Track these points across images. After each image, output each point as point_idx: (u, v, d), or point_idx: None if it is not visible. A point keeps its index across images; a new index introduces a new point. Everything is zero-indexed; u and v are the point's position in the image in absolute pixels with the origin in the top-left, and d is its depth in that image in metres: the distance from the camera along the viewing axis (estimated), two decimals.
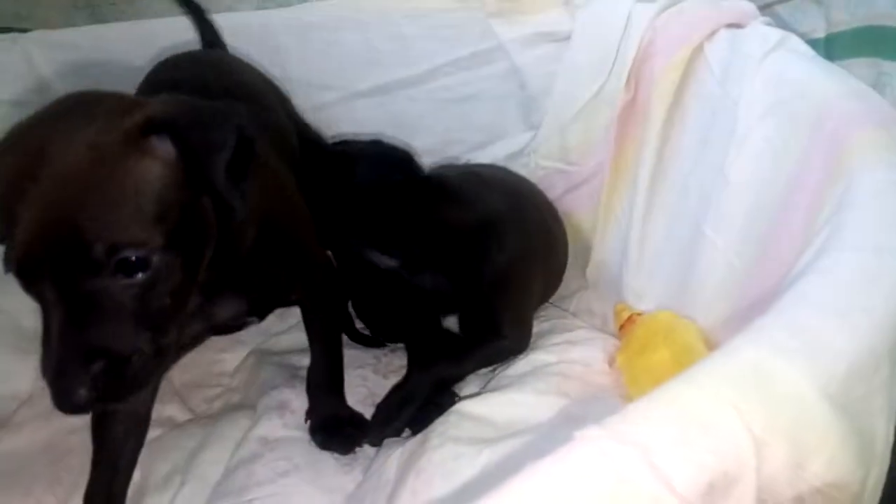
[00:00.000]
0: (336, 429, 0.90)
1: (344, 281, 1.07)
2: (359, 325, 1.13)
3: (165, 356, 0.60)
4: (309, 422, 0.91)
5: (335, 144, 1.13)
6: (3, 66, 1.21)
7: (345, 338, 1.03)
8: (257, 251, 0.73)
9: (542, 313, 1.11)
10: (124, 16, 1.29)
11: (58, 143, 0.55)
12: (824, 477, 0.43)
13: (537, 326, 1.05)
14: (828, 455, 0.43)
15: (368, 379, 1.00)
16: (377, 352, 1.08)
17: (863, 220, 0.57)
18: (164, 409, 0.94)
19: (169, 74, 1.01)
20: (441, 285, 1.00)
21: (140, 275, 0.56)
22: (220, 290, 0.72)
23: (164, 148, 0.58)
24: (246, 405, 0.96)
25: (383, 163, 0.98)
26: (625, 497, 0.40)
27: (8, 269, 0.56)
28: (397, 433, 0.88)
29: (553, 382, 0.88)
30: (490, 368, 0.97)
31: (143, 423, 0.81)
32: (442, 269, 0.99)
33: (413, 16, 1.17)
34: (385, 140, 1.05)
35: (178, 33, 1.20)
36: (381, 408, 0.90)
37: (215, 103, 0.63)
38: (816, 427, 0.43)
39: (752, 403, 0.42)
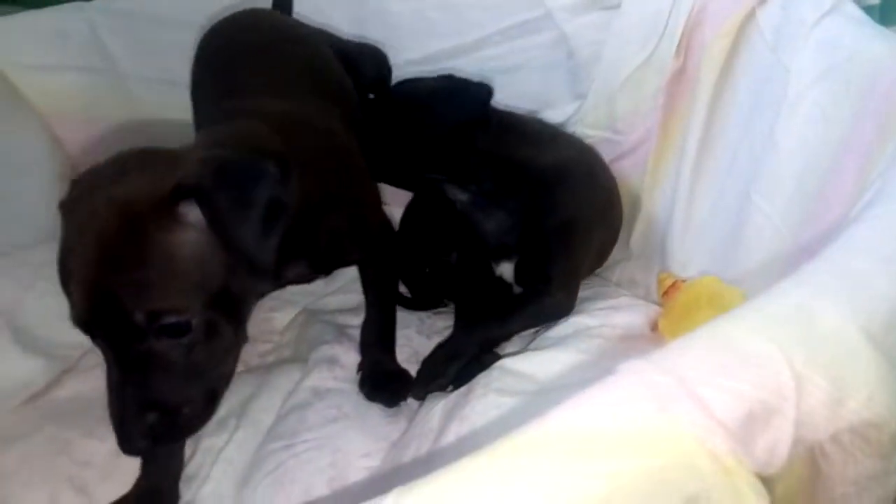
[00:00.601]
0: (384, 382, 0.93)
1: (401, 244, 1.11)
2: (402, 290, 1.16)
3: (217, 399, 0.64)
4: (359, 374, 0.94)
5: (400, 84, 1.14)
6: (69, 33, 1.26)
7: None
8: (321, 219, 0.76)
9: (586, 282, 1.11)
10: None
11: (101, 208, 0.58)
12: (862, 414, 0.44)
13: (580, 294, 1.06)
14: (867, 392, 0.43)
15: (413, 339, 1.03)
16: (421, 314, 1.10)
17: None
18: None
19: (225, 38, 1.04)
20: (506, 227, 1.02)
21: (183, 337, 0.59)
22: (285, 258, 0.73)
23: (193, 213, 0.59)
24: (297, 359, 0.99)
25: (460, 98, 1.02)
26: (665, 424, 0.41)
27: (72, 322, 0.60)
28: (441, 389, 0.90)
29: (594, 344, 0.89)
30: (532, 330, 0.99)
31: None
32: (510, 208, 1.01)
33: None
34: (457, 75, 1.10)
35: (236, 5, 1.24)
36: (426, 364, 0.93)
37: (246, 160, 0.63)
38: (857, 365, 0.44)
39: (794, 340, 0.43)
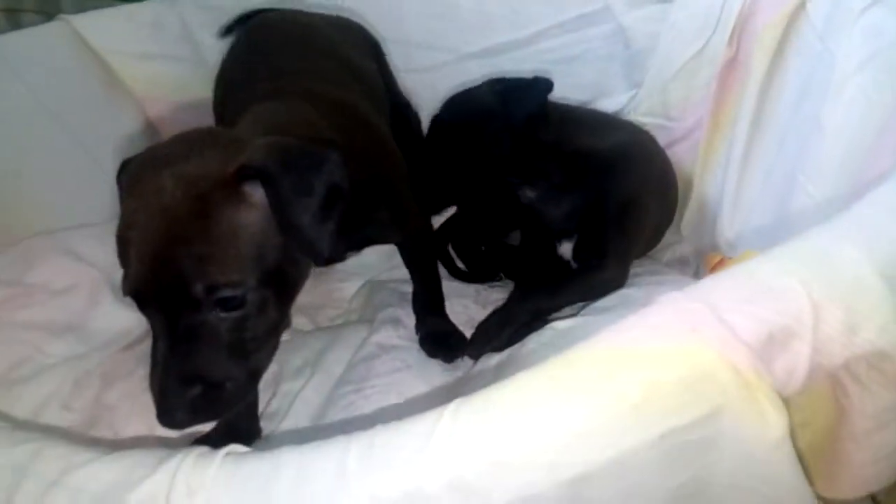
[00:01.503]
0: (442, 340, 1.00)
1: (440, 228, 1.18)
2: (459, 265, 1.24)
3: (258, 378, 0.66)
4: (418, 334, 1.02)
5: (450, 105, 1.19)
6: (162, 26, 1.37)
7: (445, 272, 1.13)
8: (358, 203, 0.76)
9: (637, 262, 1.16)
10: None
11: (166, 184, 0.60)
12: (875, 342, 0.49)
13: (631, 271, 1.11)
14: (880, 322, 0.49)
15: (469, 308, 1.11)
16: (478, 286, 1.18)
17: None
18: (293, 320, 1.07)
19: (260, 38, 1.10)
20: (569, 212, 1.08)
21: (236, 311, 0.61)
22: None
23: (257, 194, 0.62)
24: (364, 320, 1.08)
25: (523, 94, 1.07)
26: (695, 342, 0.48)
27: (125, 293, 0.62)
28: (496, 350, 0.97)
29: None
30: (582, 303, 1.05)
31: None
32: (574, 196, 1.07)
33: None
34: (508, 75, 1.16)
35: (319, 7, 1.33)
36: (481, 326, 1.00)
37: (309, 147, 0.65)
38: (871, 299, 0.49)
39: (813, 276, 0.49)
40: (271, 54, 1.01)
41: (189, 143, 0.65)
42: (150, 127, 1.37)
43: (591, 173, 1.07)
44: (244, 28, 1.18)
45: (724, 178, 1.09)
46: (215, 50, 1.41)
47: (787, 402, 0.50)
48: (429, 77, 1.35)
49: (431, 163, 1.13)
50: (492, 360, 0.92)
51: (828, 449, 0.61)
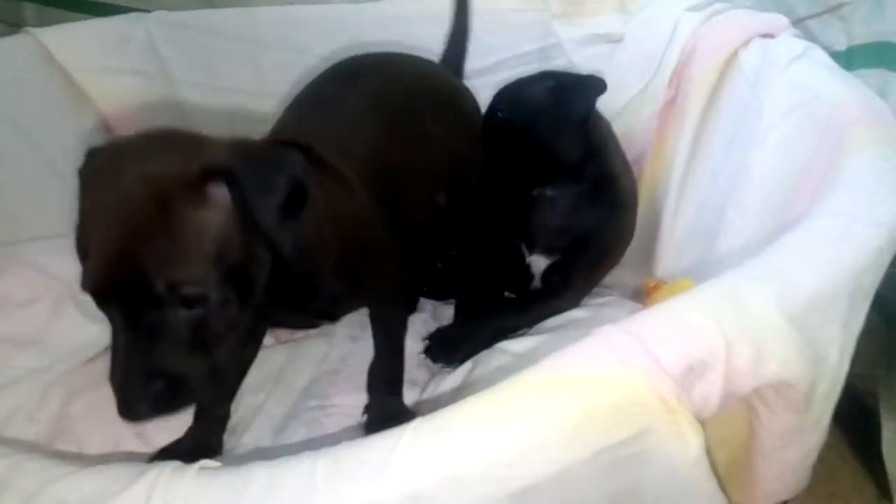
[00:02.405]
0: (389, 424, 0.95)
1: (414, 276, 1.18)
2: None
3: (221, 375, 0.66)
4: (365, 416, 0.97)
5: (501, 97, 1.18)
6: (129, 41, 1.39)
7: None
8: (329, 271, 0.78)
9: None
10: (233, 2, 1.47)
11: (131, 180, 0.60)
12: (778, 374, 0.57)
13: None
14: (783, 358, 0.57)
15: (428, 323, 1.16)
16: (434, 302, 1.24)
17: (842, 193, 0.70)
18: None
19: (325, 77, 1.05)
20: (568, 225, 1.11)
21: (198, 308, 0.61)
22: (283, 303, 0.76)
23: (221, 193, 0.62)
24: (324, 335, 1.12)
25: (580, 92, 1.09)
26: (626, 371, 0.55)
27: (83, 287, 0.61)
28: (455, 363, 1.03)
29: (582, 334, 1.02)
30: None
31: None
32: (585, 212, 1.11)
33: (484, 13, 1.32)
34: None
35: (281, 23, 1.38)
36: (443, 338, 1.05)
37: (271, 150, 0.68)
38: (776, 338, 0.57)
39: (728, 316, 0.57)
40: (312, 98, 0.99)
41: (154, 140, 0.66)
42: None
43: (609, 198, 1.12)
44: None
45: (662, 209, 1.18)
46: (182, 65, 1.44)
47: (704, 424, 0.57)
48: None
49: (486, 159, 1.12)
50: (446, 380, 0.98)
51: (744, 463, 0.69)
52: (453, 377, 0.98)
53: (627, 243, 1.20)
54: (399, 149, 0.95)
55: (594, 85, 1.09)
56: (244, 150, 0.65)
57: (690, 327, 0.56)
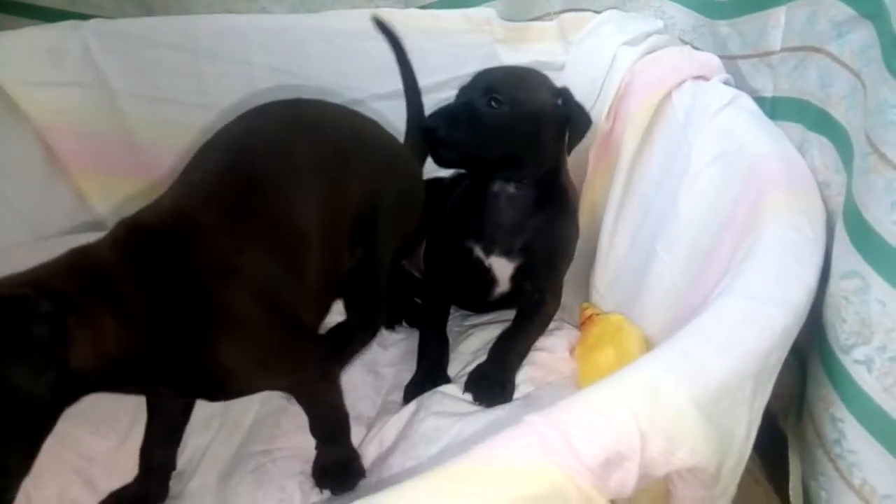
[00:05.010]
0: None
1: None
2: None
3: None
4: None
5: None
6: (63, 52, 1.36)
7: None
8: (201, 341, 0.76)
9: None
10: (172, 9, 1.44)
11: None
12: (688, 461, 0.62)
13: None
14: (692, 446, 0.62)
15: (373, 349, 1.19)
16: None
17: (754, 272, 0.75)
18: None
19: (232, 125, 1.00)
20: (521, 226, 1.15)
21: None
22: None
23: None
24: None
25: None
26: (549, 465, 0.59)
27: None
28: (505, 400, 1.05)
29: (522, 371, 1.08)
30: (472, 353, 1.16)
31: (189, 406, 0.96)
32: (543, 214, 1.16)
33: (430, 32, 1.33)
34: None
35: (221, 33, 1.37)
36: (480, 375, 1.07)
37: (18, 297, 0.65)
38: (686, 427, 0.62)
39: (643, 407, 0.61)
40: (210, 149, 0.96)
41: None
42: (52, 156, 1.37)
43: (558, 205, 1.17)
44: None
45: (598, 238, 1.22)
46: (120, 77, 1.41)
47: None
48: None
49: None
50: (390, 422, 1.01)
51: None
52: (398, 417, 1.02)
53: (576, 244, 1.25)
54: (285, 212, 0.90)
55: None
56: None
57: (609, 420, 0.60)
